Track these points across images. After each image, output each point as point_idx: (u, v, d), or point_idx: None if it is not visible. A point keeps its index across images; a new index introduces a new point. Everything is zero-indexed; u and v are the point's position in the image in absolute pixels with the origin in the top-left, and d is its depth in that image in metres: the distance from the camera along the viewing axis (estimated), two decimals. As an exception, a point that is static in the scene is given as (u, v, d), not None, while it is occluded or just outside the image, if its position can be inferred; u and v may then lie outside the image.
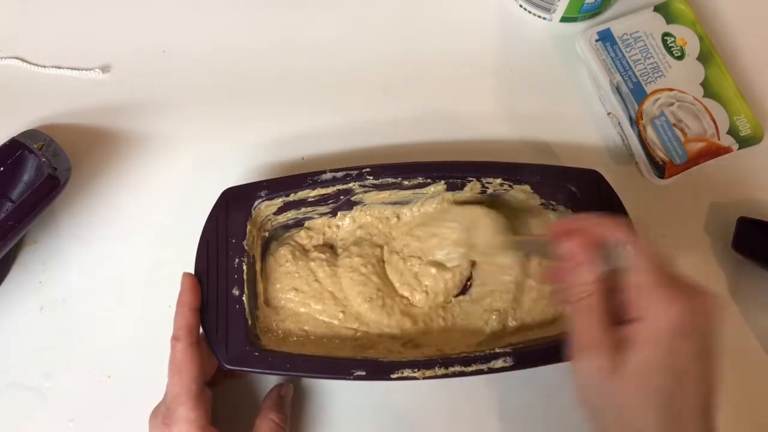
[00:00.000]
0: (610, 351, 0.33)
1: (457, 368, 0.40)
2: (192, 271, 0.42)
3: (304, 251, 0.47)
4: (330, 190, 0.45)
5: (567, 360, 0.36)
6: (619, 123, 0.51)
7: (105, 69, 0.53)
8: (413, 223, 0.48)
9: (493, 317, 0.45)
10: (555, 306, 0.45)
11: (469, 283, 0.47)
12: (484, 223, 0.45)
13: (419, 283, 0.46)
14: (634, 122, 0.50)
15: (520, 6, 0.55)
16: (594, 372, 0.33)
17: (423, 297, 0.46)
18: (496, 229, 0.45)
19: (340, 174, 0.44)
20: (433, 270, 0.46)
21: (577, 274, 0.35)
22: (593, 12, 0.54)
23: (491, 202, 0.47)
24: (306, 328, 0.45)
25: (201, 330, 0.41)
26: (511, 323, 0.45)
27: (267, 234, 0.47)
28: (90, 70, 0.53)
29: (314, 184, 0.44)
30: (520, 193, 0.46)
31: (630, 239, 0.35)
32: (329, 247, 0.48)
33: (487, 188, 0.46)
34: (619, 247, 0.35)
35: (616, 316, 0.34)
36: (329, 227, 0.48)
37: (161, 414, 0.39)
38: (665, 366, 0.32)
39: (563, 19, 0.55)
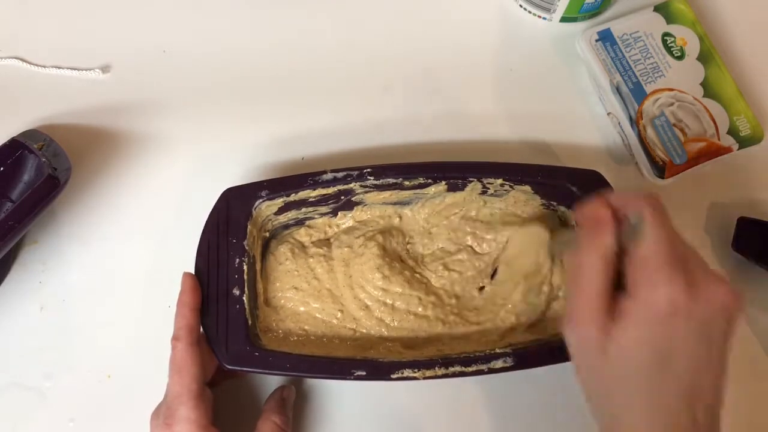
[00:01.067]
0: (604, 323, 0.31)
1: (457, 368, 0.40)
2: (192, 271, 0.42)
3: (304, 248, 0.47)
4: (331, 190, 0.45)
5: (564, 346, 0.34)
6: (619, 123, 0.51)
7: (105, 69, 0.53)
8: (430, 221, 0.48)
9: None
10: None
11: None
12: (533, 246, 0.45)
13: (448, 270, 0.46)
14: (634, 122, 0.50)
15: (520, 6, 0.55)
16: (584, 342, 0.32)
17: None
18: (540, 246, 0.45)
19: (340, 174, 0.44)
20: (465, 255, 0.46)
21: (596, 233, 0.33)
22: (593, 12, 0.54)
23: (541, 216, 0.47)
24: (306, 327, 0.45)
25: (201, 330, 0.41)
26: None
27: (267, 234, 0.47)
28: (90, 70, 0.53)
29: (315, 185, 0.44)
30: (521, 194, 0.46)
31: (649, 209, 0.32)
32: (327, 241, 0.48)
33: (488, 188, 0.46)
34: (639, 222, 0.33)
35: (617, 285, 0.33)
36: (330, 227, 0.48)
37: (162, 414, 0.38)
38: (652, 349, 0.30)
39: (563, 19, 0.55)
